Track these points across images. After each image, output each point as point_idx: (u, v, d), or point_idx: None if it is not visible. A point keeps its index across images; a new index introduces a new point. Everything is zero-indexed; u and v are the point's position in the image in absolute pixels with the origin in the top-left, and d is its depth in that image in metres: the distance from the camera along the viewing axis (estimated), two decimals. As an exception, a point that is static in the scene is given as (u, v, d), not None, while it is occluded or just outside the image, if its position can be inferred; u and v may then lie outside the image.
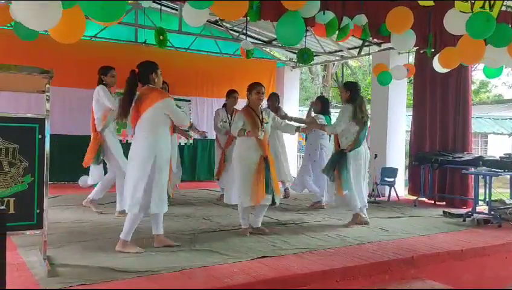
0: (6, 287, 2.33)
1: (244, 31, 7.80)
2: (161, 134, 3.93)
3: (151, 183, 3.84)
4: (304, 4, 4.60)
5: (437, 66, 5.84)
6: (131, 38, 8.85)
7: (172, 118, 4.01)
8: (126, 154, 8.39)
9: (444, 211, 6.32)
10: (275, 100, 6.82)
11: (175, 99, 4.67)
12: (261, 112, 4.78)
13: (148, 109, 3.86)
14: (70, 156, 8.27)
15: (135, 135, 4.00)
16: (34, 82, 3.43)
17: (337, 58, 10.29)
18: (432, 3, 4.87)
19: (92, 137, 5.38)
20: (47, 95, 3.36)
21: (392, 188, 7.60)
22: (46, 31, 3.76)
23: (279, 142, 6.81)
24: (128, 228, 3.88)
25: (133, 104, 3.95)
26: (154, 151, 3.85)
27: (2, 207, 2.89)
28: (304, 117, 6.67)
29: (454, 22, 4.90)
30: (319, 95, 6.44)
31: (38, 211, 3.29)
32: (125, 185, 3.99)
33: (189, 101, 9.35)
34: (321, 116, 6.29)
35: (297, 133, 6.04)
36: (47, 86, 3.35)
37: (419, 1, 4.84)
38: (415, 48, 7.13)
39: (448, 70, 6.00)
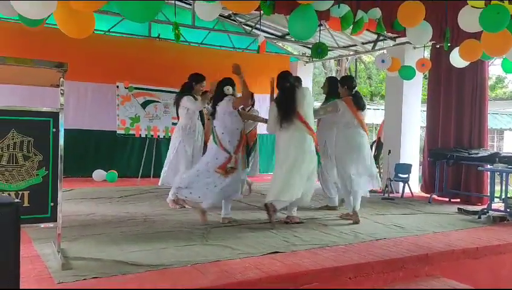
0: (21, 279, 2.34)
1: (258, 26, 7.75)
2: None
3: None
4: (315, -2, 4.52)
5: (454, 60, 5.73)
6: (145, 33, 8.88)
7: None
8: (134, 151, 8.55)
9: (459, 208, 6.24)
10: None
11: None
12: None
13: None
14: (84, 150, 8.39)
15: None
16: (48, 76, 3.42)
17: (351, 52, 10.20)
18: None
19: None
20: (61, 89, 3.36)
21: (406, 184, 7.52)
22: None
23: None
24: None
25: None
26: None
27: (17, 200, 2.90)
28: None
29: (468, 19, 4.80)
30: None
31: (52, 204, 3.31)
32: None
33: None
34: None
35: None
36: (61, 79, 3.35)
37: None
38: (430, 43, 7.01)
39: (466, 64, 5.89)
